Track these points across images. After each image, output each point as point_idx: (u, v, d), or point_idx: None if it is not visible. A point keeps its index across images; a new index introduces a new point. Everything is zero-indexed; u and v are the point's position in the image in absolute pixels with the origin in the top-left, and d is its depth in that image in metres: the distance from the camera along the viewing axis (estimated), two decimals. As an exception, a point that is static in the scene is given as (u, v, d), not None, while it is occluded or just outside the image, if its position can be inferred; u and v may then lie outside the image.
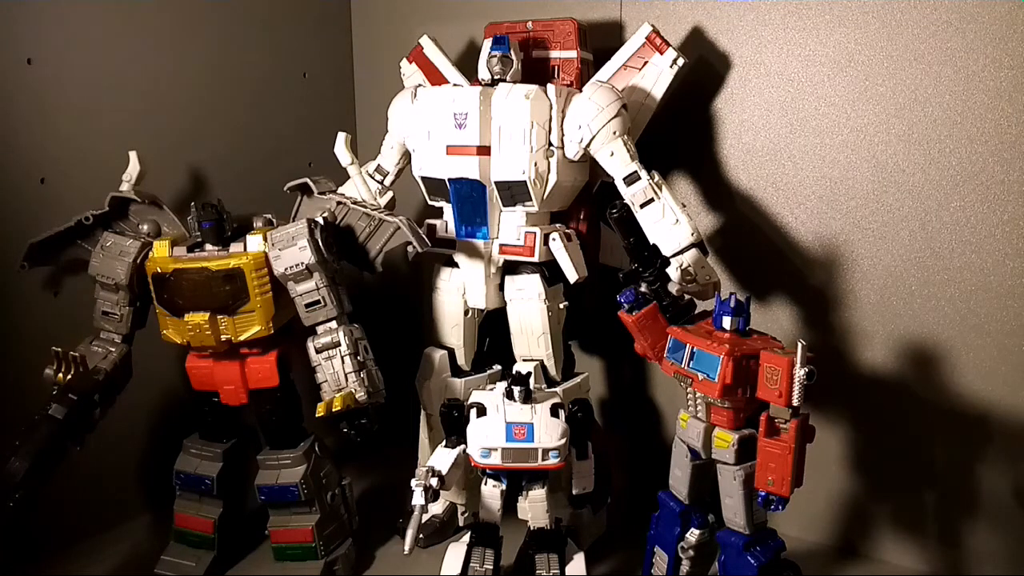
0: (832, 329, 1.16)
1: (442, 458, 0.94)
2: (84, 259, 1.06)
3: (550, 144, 1.07)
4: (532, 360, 1.15)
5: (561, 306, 1.15)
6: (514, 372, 0.97)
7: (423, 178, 1.14)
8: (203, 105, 1.32)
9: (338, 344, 1.01)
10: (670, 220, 1.04)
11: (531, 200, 1.08)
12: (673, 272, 1.03)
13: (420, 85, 1.21)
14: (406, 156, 1.20)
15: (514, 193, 1.09)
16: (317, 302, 1.02)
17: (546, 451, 0.92)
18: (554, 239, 1.10)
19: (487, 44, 1.12)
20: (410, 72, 1.26)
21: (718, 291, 1.02)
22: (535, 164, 1.06)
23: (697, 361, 0.91)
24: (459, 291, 1.16)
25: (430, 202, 1.17)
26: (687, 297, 1.03)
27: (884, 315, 1.13)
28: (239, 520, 1.16)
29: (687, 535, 1.00)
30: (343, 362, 1.01)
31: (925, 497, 1.13)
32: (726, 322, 0.92)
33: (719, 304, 0.93)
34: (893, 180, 1.10)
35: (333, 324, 1.03)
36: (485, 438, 0.92)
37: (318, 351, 1.02)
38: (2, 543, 1.04)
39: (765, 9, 1.15)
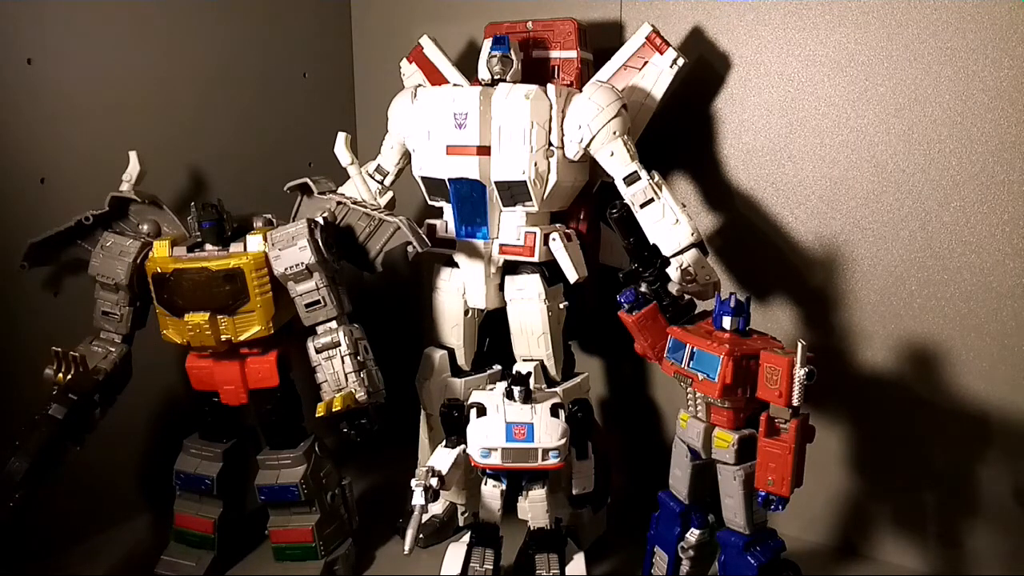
0: (832, 329, 1.16)
1: (442, 458, 0.94)
2: (84, 259, 1.06)
3: (550, 144, 1.07)
4: (532, 360, 1.15)
5: (561, 306, 1.15)
6: (514, 372, 0.97)
7: (423, 178, 1.14)
8: (203, 105, 1.32)
9: (338, 344, 1.01)
10: (670, 220, 1.04)
11: (531, 200, 1.08)
12: (673, 272, 1.03)
13: (420, 85, 1.21)
14: (406, 156, 1.20)
15: (514, 193, 1.09)
16: (317, 302, 1.02)
17: (546, 451, 0.92)
18: (554, 239, 1.10)
19: (487, 44, 1.12)
20: (410, 72, 1.26)
21: (718, 291, 1.02)
22: (535, 164, 1.06)
23: (697, 361, 0.91)
24: (459, 291, 1.16)
25: (430, 202, 1.17)
26: (687, 297, 1.03)
27: (884, 315, 1.13)
28: (239, 520, 1.16)
29: (687, 535, 1.00)
30: (343, 362, 1.01)
31: (925, 497, 1.13)
32: (726, 322, 0.92)
33: (719, 304, 0.93)
34: (893, 180, 1.10)
35: (333, 324, 1.03)
36: (485, 438, 0.92)
37: (318, 351, 1.02)
38: (2, 543, 1.04)
39: (765, 9, 1.15)
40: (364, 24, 1.56)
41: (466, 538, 0.99)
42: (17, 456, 0.96)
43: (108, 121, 1.19)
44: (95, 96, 1.17)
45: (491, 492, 0.97)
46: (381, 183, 1.23)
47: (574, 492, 1.00)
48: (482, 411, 0.95)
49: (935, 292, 1.09)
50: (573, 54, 1.16)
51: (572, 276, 1.10)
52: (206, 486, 1.11)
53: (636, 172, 1.05)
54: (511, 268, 1.14)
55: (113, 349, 1.06)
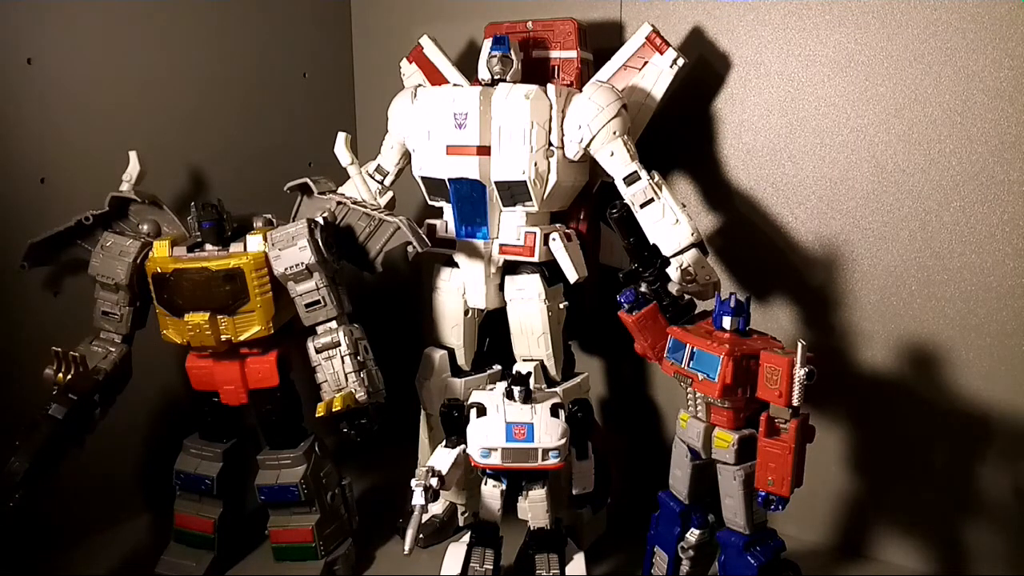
0: (832, 329, 1.16)
1: (442, 458, 0.94)
2: (84, 259, 1.06)
3: (550, 144, 1.07)
4: (532, 360, 1.15)
5: (561, 306, 1.15)
6: (514, 372, 0.97)
7: (423, 178, 1.14)
8: (203, 105, 1.32)
9: (338, 344, 1.01)
10: (670, 220, 1.04)
11: (531, 200, 1.08)
12: (673, 272, 1.03)
13: (420, 85, 1.21)
14: (406, 156, 1.20)
15: (514, 193, 1.09)
16: (317, 302, 1.02)
17: (546, 451, 0.92)
18: (554, 239, 1.10)
19: (487, 44, 1.12)
20: (410, 72, 1.26)
21: (718, 291, 1.02)
22: (535, 164, 1.06)
23: (697, 361, 0.91)
24: (459, 291, 1.16)
25: (430, 202, 1.17)
26: (687, 297, 1.03)
27: (884, 315, 1.13)
28: (239, 520, 1.16)
29: (687, 535, 1.00)
30: (343, 362, 1.01)
31: (925, 497, 1.13)
32: (726, 322, 0.92)
33: (719, 304, 0.93)
34: (893, 180, 1.10)
35: (333, 324, 1.03)
36: (485, 438, 0.92)
37: (318, 351, 1.02)
38: (2, 543, 1.04)
39: (765, 9, 1.15)
40: (364, 24, 1.56)
41: (466, 538, 0.99)
42: (17, 456, 0.96)
43: (108, 121, 1.19)
44: (95, 96, 1.17)
45: (491, 492, 0.97)
46: (381, 183, 1.23)
47: (574, 492, 1.00)
48: (482, 411, 0.95)
49: (935, 292, 1.09)
50: (573, 54, 1.16)
51: (572, 276, 1.10)
52: (206, 486, 1.11)
53: (636, 172, 1.05)
54: (511, 268, 1.14)
55: (113, 349, 1.06)
